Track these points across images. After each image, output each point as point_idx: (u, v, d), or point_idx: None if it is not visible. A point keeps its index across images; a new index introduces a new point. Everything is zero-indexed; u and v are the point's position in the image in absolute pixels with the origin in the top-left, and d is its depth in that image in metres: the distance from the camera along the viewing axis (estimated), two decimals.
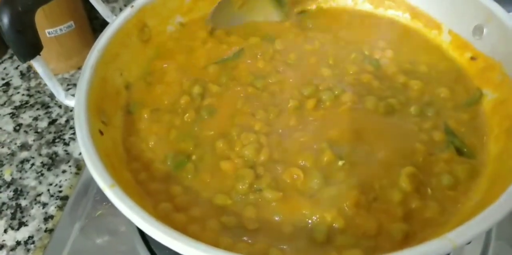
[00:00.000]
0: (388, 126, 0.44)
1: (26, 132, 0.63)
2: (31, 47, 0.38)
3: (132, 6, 0.49)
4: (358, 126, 0.44)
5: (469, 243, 0.43)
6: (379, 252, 0.33)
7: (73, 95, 0.41)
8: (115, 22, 0.47)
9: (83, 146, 0.36)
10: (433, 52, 0.52)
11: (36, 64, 0.39)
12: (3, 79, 0.71)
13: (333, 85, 0.48)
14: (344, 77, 0.49)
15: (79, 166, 0.59)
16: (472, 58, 0.49)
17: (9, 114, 0.66)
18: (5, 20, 0.35)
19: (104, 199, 0.52)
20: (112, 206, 0.33)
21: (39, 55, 0.38)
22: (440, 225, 0.37)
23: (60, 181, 0.57)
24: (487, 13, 0.46)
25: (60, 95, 0.41)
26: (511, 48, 0.43)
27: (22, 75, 0.71)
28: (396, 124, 0.44)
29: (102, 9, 0.49)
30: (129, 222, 0.48)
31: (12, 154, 0.61)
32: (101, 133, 0.40)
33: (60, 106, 0.66)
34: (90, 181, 0.55)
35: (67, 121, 0.64)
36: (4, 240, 0.52)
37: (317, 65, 0.50)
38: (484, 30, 0.47)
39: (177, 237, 0.30)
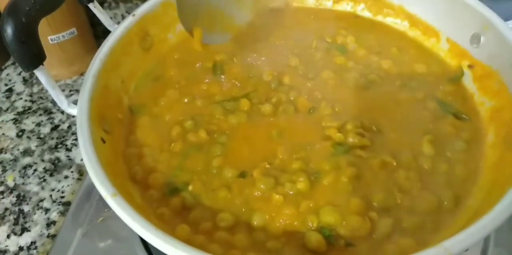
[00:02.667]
0: (390, 99, 0.48)
1: (29, 137, 0.64)
2: (34, 57, 0.38)
3: (134, 14, 0.50)
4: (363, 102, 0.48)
5: (466, 250, 0.44)
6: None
7: (75, 102, 0.42)
8: (116, 31, 0.48)
9: (85, 154, 0.36)
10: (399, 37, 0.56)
11: (39, 73, 0.39)
12: (6, 85, 0.72)
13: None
14: (314, 63, 0.52)
15: (81, 172, 0.59)
16: (470, 66, 0.49)
17: (12, 120, 0.66)
18: (9, 30, 0.36)
19: (106, 205, 0.53)
20: (114, 212, 0.34)
21: (42, 65, 0.39)
22: (473, 184, 0.41)
23: (62, 187, 0.58)
24: (485, 22, 0.46)
25: (63, 104, 0.42)
26: (508, 57, 0.43)
27: (25, 81, 0.72)
28: (395, 97, 0.49)
29: (104, 18, 0.50)
30: (131, 228, 0.49)
31: (15, 160, 0.61)
32: (103, 141, 0.40)
33: (62, 112, 0.67)
34: (93, 187, 0.54)
35: (69, 127, 0.65)
36: (7, 246, 0.53)
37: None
38: (482, 39, 0.47)
39: (178, 246, 0.31)
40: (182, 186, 0.42)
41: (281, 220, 0.39)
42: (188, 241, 0.32)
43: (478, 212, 0.33)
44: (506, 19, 0.46)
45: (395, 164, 0.42)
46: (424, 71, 0.51)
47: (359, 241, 0.37)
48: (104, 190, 0.34)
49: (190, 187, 0.42)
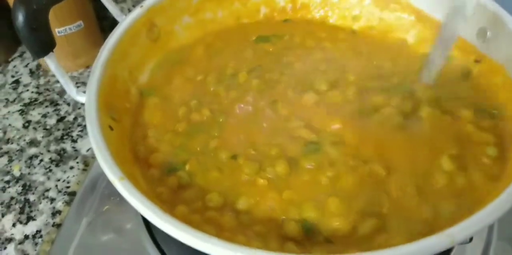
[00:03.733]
0: None
1: (35, 128, 0.64)
2: (44, 44, 0.39)
3: (142, 6, 0.50)
4: None
5: (470, 241, 0.44)
6: None
7: (83, 91, 0.42)
8: (124, 22, 0.48)
9: (93, 140, 0.37)
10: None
11: (49, 60, 0.40)
12: (13, 76, 0.72)
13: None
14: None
15: (87, 163, 0.60)
16: (476, 61, 0.49)
17: (19, 111, 0.67)
18: (20, 18, 0.36)
19: (111, 194, 0.54)
20: (119, 201, 0.35)
21: (52, 52, 0.40)
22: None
23: (68, 177, 0.58)
24: (491, 16, 0.46)
25: (72, 92, 0.42)
26: None
27: (31, 73, 0.73)
28: None
29: (113, 8, 0.50)
30: (136, 217, 0.50)
31: (21, 150, 0.62)
32: (111, 128, 0.41)
33: (68, 104, 0.67)
34: (98, 177, 0.56)
35: (75, 118, 0.66)
36: (12, 234, 0.53)
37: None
38: (488, 33, 0.47)
39: (184, 228, 0.31)
40: (180, 165, 0.43)
41: (265, 206, 0.40)
42: (185, 221, 0.33)
43: (484, 201, 0.33)
44: None
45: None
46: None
47: (338, 239, 0.37)
48: (112, 174, 0.34)
49: (187, 167, 0.43)
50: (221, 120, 0.46)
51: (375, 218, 0.38)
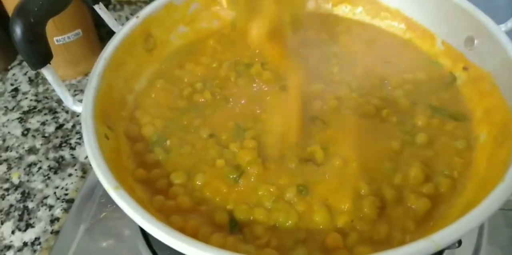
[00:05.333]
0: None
1: (34, 136, 0.65)
2: (42, 56, 0.39)
3: (137, 16, 0.51)
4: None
5: (459, 246, 0.45)
6: None
7: (80, 100, 0.43)
8: (121, 32, 0.49)
9: (89, 149, 0.38)
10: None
11: (46, 72, 0.41)
12: (12, 84, 0.73)
13: None
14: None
15: (85, 170, 0.61)
16: (464, 68, 0.50)
17: (18, 119, 0.68)
18: (18, 31, 0.37)
19: (108, 201, 0.55)
20: (116, 208, 0.35)
21: (49, 63, 0.40)
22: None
23: (66, 184, 0.59)
24: (478, 25, 0.47)
25: (68, 101, 0.43)
26: (500, 59, 0.44)
27: (30, 81, 0.74)
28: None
29: (109, 19, 0.51)
30: (132, 224, 0.51)
31: (20, 158, 0.63)
32: (107, 137, 0.42)
33: (67, 112, 0.68)
34: (96, 184, 0.57)
35: (73, 126, 0.66)
36: (11, 241, 0.54)
37: None
38: (475, 41, 0.48)
39: (177, 236, 0.32)
40: (163, 140, 0.46)
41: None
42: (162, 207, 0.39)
43: (467, 208, 0.34)
44: (498, 22, 0.47)
45: None
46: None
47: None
48: (107, 182, 0.35)
49: (168, 142, 0.46)
50: (219, 104, 0.50)
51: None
